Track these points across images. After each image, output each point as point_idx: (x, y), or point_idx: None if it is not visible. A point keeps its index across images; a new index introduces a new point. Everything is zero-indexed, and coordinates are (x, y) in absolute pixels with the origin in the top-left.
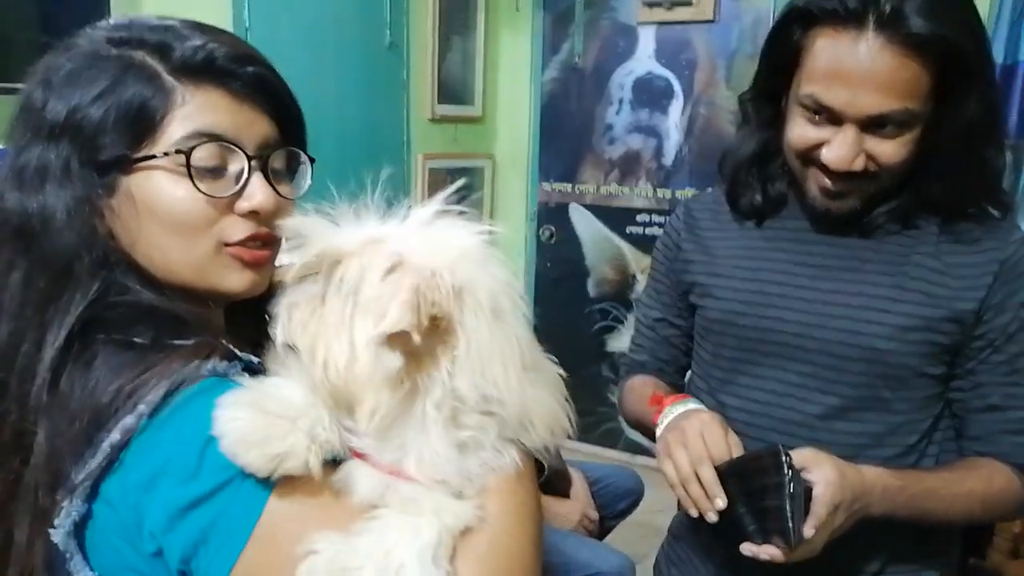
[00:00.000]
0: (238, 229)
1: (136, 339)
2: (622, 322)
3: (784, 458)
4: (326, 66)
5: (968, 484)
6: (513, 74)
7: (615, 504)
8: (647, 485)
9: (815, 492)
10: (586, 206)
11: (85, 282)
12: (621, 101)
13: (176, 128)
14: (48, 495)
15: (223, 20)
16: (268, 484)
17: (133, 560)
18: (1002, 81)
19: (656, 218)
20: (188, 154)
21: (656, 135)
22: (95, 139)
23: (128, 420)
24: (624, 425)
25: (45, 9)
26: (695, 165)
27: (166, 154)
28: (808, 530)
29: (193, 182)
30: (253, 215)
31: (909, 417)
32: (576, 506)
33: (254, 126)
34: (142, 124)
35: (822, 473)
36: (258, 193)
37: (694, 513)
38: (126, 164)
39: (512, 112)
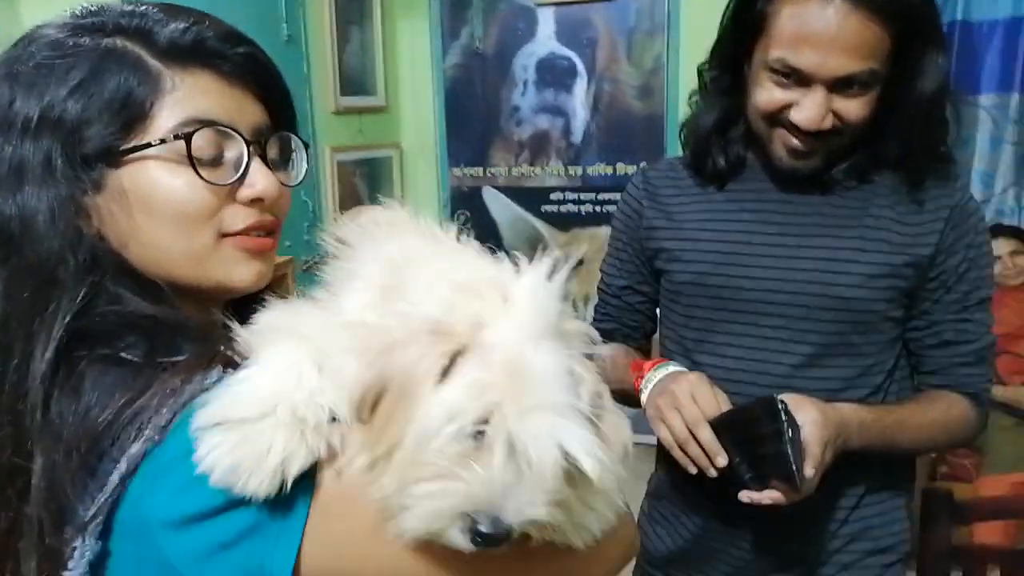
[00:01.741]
0: (239, 218)
1: (126, 355)
2: None
3: (779, 405)
4: None
5: (931, 414)
6: (414, 62)
7: None
8: None
9: (803, 433)
10: (499, 188)
11: (72, 289)
12: (526, 82)
13: (167, 116)
14: (55, 534)
15: None
16: None
17: None
18: None
19: (569, 195)
20: (188, 140)
21: (563, 114)
22: (78, 132)
23: (135, 448)
24: None
25: None
26: (603, 141)
27: (163, 141)
28: (809, 470)
29: (195, 169)
30: (257, 202)
31: (876, 359)
32: None
33: (246, 110)
34: (130, 114)
35: (807, 414)
36: (261, 180)
37: (693, 470)
38: (115, 156)
39: (416, 100)
